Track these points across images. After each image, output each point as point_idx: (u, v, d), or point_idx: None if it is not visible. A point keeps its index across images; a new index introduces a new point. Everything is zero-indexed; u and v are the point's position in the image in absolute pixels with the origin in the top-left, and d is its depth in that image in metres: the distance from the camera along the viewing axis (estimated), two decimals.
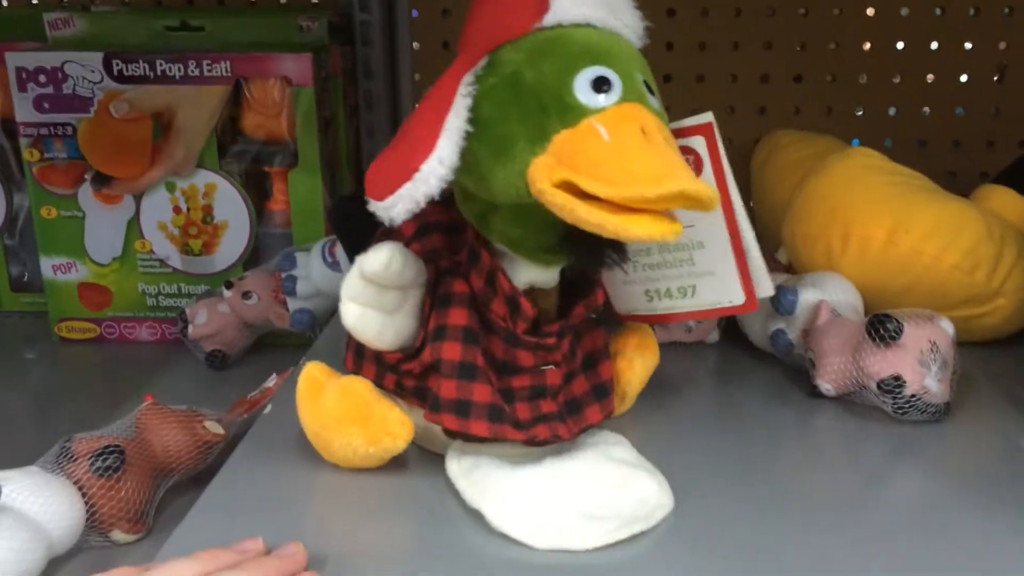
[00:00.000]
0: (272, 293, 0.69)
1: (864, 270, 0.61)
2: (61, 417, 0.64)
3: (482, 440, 0.46)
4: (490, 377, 0.45)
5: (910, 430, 0.53)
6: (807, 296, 0.59)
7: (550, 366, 0.46)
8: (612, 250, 0.42)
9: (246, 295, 0.69)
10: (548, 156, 0.38)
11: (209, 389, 0.67)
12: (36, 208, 0.71)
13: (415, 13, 0.88)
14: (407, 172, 0.38)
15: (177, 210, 0.71)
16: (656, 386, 0.56)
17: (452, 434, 0.47)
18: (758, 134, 0.87)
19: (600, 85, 0.38)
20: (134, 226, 0.71)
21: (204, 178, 0.70)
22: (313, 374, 0.48)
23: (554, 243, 0.43)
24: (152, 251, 0.72)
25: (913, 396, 0.52)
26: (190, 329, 0.69)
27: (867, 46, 0.86)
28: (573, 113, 0.38)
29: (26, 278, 0.80)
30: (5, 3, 0.89)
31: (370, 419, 0.45)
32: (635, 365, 0.51)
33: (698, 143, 0.48)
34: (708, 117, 0.47)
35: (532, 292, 0.45)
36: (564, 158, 0.37)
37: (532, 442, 0.46)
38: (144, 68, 0.67)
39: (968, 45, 0.86)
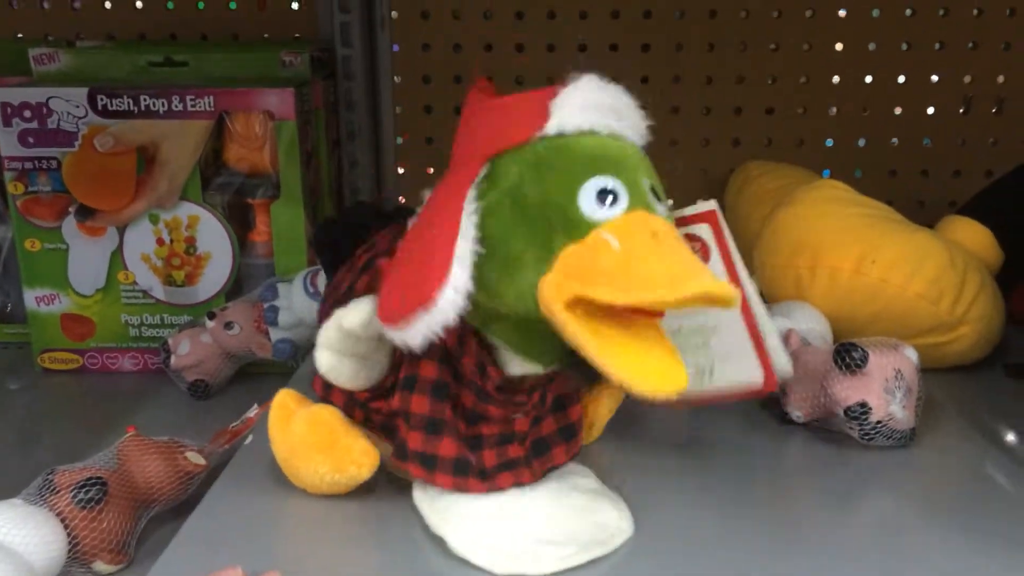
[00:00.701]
0: (254, 323, 0.70)
1: (832, 299, 0.62)
2: (44, 448, 0.64)
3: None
4: (458, 428, 0.45)
5: (878, 455, 0.54)
6: (777, 325, 0.60)
7: (519, 415, 0.47)
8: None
9: (228, 325, 0.69)
10: (556, 274, 0.37)
11: (191, 419, 0.68)
12: (20, 240, 0.72)
13: (396, 47, 0.90)
14: (423, 300, 0.37)
15: (160, 242, 0.72)
16: (628, 412, 0.57)
17: None
18: (732, 165, 0.89)
19: (606, 196, 0.37)
20: (117, 258, 0.72)
21: (187, 210, 0.71)
22: (284, 402, 0.50)
23: (555, 354, 0.43)
24: (135, 282, 0.73)
25: (879, 423, 0.53)
26: (172, 359, 0.70)
27: (836, 79, 0.89)
28: (579, 227, 0.37)
29: (9, 309, 0.81)
30: None
31: (336, 448, 0.47)
32: (602, 398, 0.53)
33: (703, 230, 0.47)
34: (711, 205, 0.47)
35: (524, 378, 0.46)
36: (573, 273, 0.36)
37: (493, 489, 0.46)
38: (128, 103, 0.69)
39: (934, 78, 0.88)
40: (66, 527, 0.46)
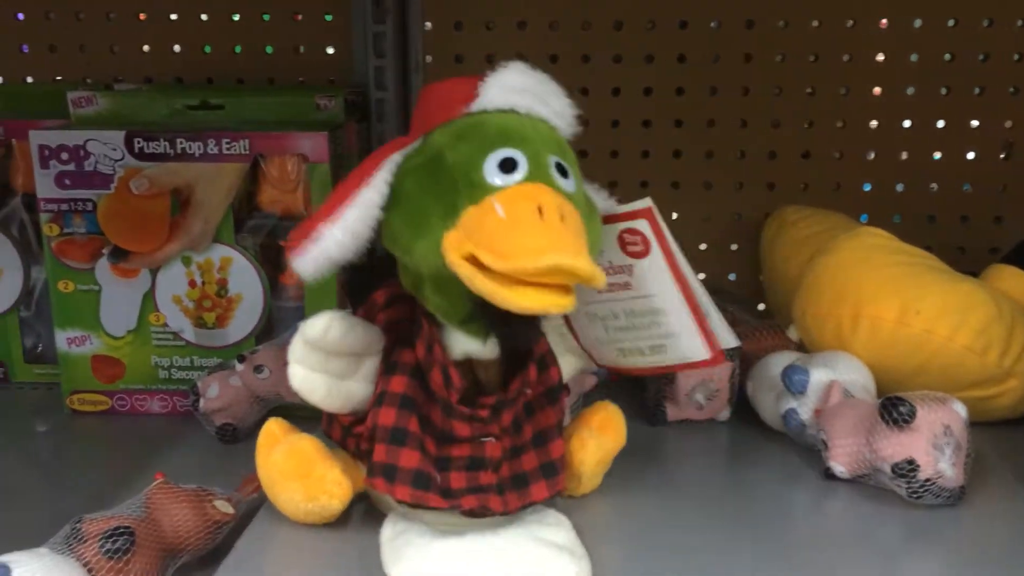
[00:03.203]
0: (284, 367, 0.69)
1: (875, 350, 0.61)
2: (72, 491, 0.63)
3: (415, 506, 0.47)
4: (423, 443, 0.46)
5: (925, 514, 0.53)
6: (818, 376, 0.59)
7: (489, 438, 0.47)
8: (523, 325, 0.43)
9: (258, 369, 0.69)
10: (458, 231, 0.40)
11: (219, 463, 0.67)
12: (53, 282, 0.72)
13: None
14: (311, 233, 0.42)
15: (192, 284, 0.72)
16: (665, 464, 0.56)
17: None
18: (768, 209, 0.88)
19: (507, 165, 0.41)
20: (149, 299, 0.72)
21: (220, 252, 0.71)
22: (272, 429, 0.52)
23: (473, 313, 0.44)
24: (166, 324, 0.73)
25: (927, 480, 0.51)
26: (201, 402, 0.69)
27: (874, 124, 0.87)
28: (479, 191, 0.41)
29: (40, 349, 0.81)
30: (30, 79, 0.91)
31: (310, 477, 0.49)
32: (588, 445, 0.52)
33: (642, 225, 0.49)
34: (647, 203, 0.49)
35: (470, 363, 0.47)
36: (469, 233, 0.40)
37: (458, 511, 0.46)
38: (165, 146, 0.69)
39: (974, 123, 0.87)
40: None
